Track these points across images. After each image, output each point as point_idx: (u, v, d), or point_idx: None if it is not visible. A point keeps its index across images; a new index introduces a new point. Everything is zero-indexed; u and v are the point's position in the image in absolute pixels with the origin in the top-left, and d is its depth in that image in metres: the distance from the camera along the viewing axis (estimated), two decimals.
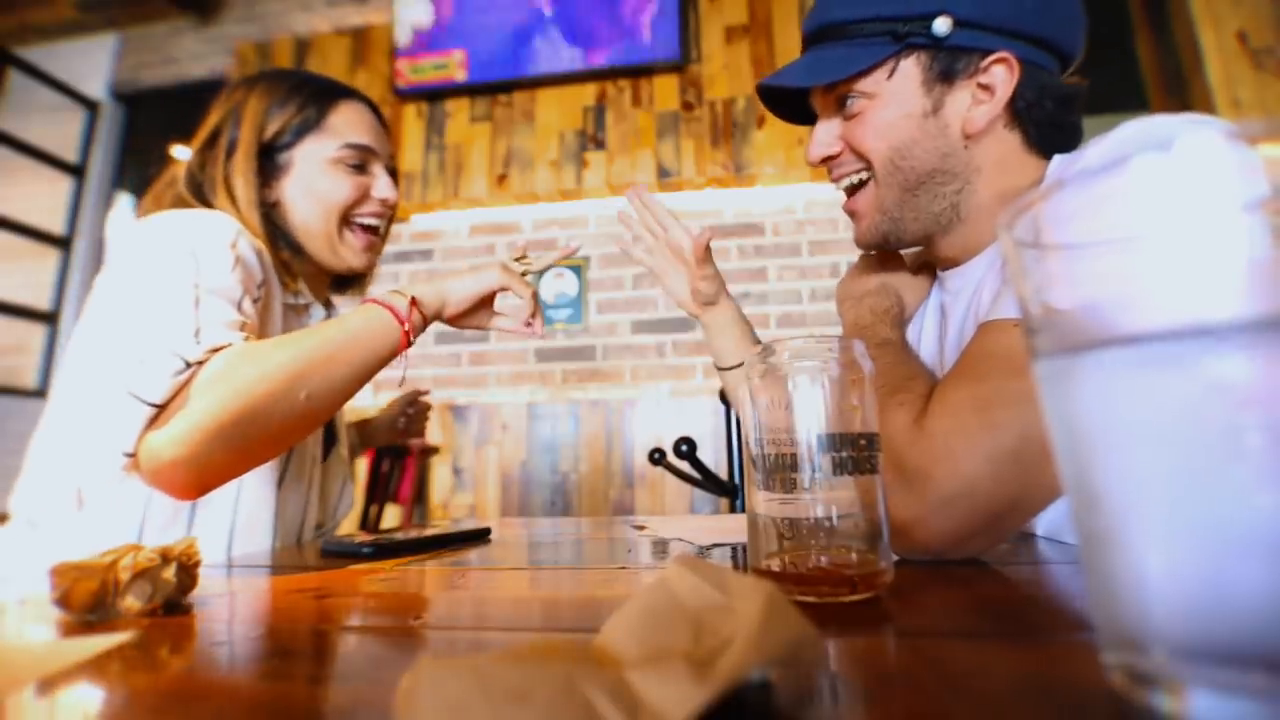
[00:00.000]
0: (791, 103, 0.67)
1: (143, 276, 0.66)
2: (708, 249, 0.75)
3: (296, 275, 0.83)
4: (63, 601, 0.35)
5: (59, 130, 3.11)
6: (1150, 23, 2.39)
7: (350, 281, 0.94)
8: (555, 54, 2.55)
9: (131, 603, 0.35)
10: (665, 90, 2.54)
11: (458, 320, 0.74)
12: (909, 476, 0.46)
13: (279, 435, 0.62)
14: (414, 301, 0.68)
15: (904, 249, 0.65)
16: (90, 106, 3.16)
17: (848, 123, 0.62)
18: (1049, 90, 0.58)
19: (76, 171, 3.12)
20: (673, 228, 0.79)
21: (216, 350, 0.62)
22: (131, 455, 0.61)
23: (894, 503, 0.46)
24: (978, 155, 0.59)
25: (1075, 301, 0.20)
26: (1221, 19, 2.13)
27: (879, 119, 0.59)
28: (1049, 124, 0.59)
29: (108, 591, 0.35)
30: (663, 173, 2.48)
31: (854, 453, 0.35)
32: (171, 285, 0.64)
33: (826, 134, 0.64)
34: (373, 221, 0.85)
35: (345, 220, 0.83)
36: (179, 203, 0.78)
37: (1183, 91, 2.22)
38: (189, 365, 0.60)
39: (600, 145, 2.55)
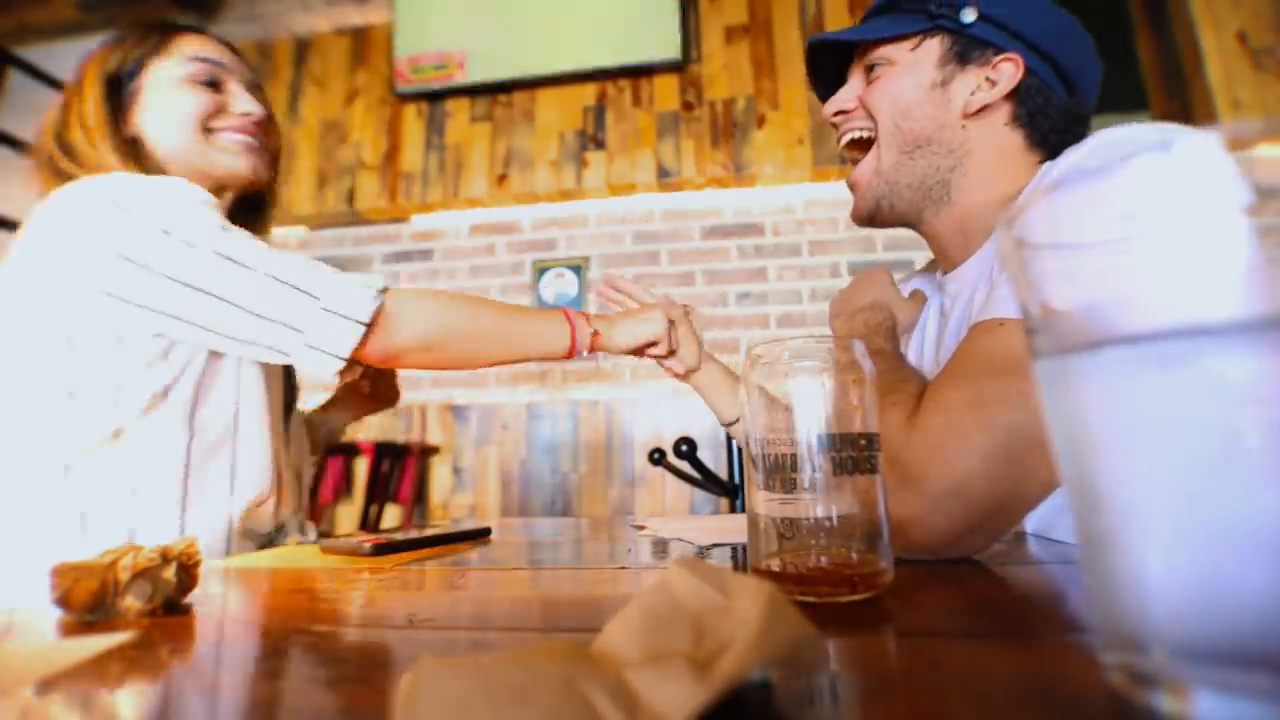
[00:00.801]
0: (833, 75, 0.75)
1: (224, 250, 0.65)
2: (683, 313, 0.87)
3: None
4: (63, 601, 0.35)
5: None
6: (1150, 23, 2.39)
7: (253, 211, 0.84)
8: (555, 54, 2.55)
9: (131, 603, 0.35)
10: (665, 90, 2.54)
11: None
12: (904, 475, 0.47)
13: (460, 360, 0.77)
14: (596, 332, 0.81)
15: (896, 223, 0.70)
16: None
17: (868, 86, 0.68)
18: (1053, 104, 0.63)
19: None
20: (646, 300, 0.90)
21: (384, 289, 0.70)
22: (345, 365, 0.68)
23: (892, 501, 0.46)
24: (972, 138, 0.64)
25: (1075, 301, 0.20)
26: (1221, 19, 2.13)
27: (893, 84, 0.66)
28: (1054, 133, 0.64)
29: (108, 591, 0.35)
30: (663, 173, 2.48)
31: (854, 453, 0.35)
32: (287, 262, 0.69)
33: (848, 92, 0.70)
34: (239, 137, 0.77)
35: (207, 132, 0.76)
36: (55, 172, 0.73)
37: (1183, 91, 2.22)
38: (382, 290, 0.69)
39: (600, 145, 2.55)
